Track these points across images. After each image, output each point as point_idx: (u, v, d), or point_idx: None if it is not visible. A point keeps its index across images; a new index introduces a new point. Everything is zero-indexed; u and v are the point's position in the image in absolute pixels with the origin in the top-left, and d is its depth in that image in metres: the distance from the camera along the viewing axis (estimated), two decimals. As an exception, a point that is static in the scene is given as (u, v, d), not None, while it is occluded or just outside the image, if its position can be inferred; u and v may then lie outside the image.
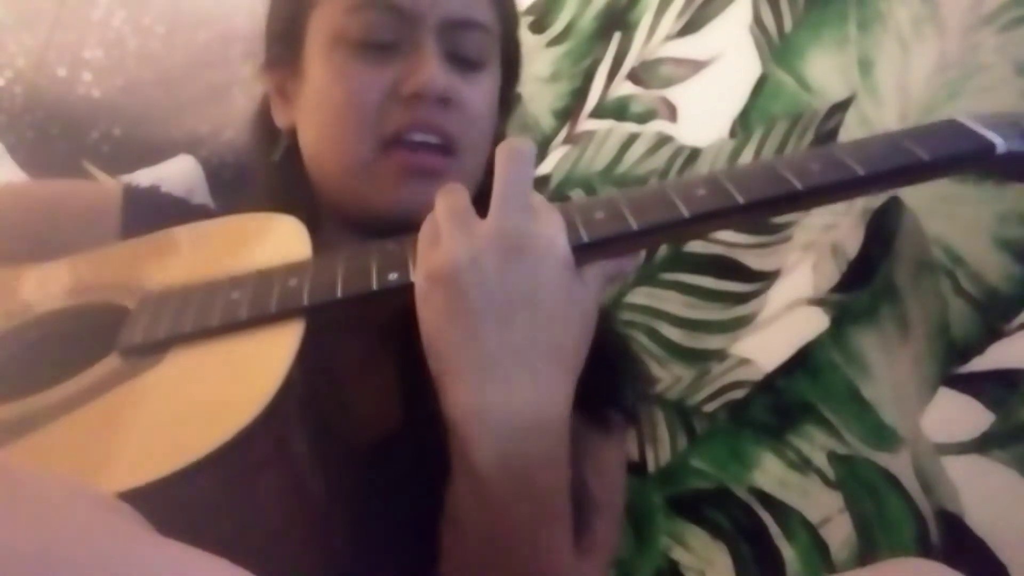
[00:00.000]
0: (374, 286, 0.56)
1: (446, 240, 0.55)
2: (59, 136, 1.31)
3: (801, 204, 0.59)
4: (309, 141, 0.74)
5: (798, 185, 0.55)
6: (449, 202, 0.57)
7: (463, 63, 0.72)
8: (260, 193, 0.79)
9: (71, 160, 1.29)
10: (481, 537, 0.56)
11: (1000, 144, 0.55)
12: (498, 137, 0.79)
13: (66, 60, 1.30)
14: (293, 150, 0.76)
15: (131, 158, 1.29)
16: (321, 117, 0.73)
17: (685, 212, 0.56)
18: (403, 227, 0.66)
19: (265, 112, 0.80)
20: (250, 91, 1.34)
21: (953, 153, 0.56)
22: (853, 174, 0.55)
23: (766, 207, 0.57)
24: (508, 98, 0.82)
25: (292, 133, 0.76)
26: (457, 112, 0.71)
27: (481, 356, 0.53)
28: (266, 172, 0.80)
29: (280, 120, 0.78)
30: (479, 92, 0.73)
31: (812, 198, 0.57)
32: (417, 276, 0.55)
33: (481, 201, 0.61)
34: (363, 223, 0.72)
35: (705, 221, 0.57)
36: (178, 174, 1.28)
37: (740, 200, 0.56)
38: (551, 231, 0.55)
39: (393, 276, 0.57)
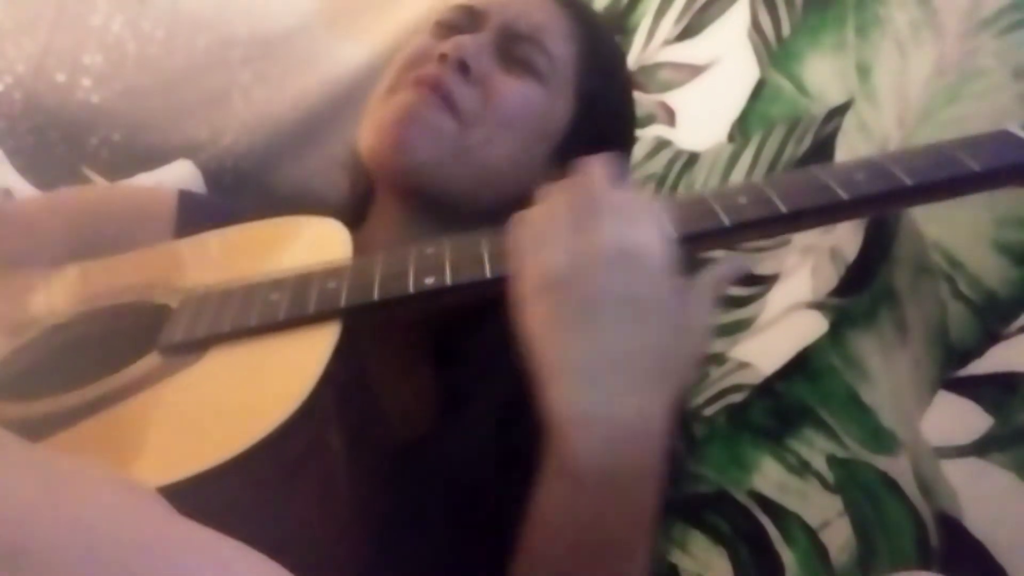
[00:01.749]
0: (411, 290, 0.57)
1: (553, 245, 0.54)
2: (58, 141, 1.30)
3: (844, 215, 0.58)
4: None
5: (843, 195, 0.54)
6: (547, 207, 0.57)
7: (515, 63, 0.76)
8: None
9: (70, 165, 1.29)
10: (569, 542, 0.55)
11: None
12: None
13: (65, 66, 1.30)
14: None
15: (130, 163, 1.29)
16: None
17: (783, 208, 0.55)
18: (400, 167, 0.72)
19: None
20: (249, 96, 1.34)
21: (1004, 163, 0.55)
22: (901, 184, 0.54)
23: (809, 217, 0.56)
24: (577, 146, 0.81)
25: None
26: (478, 90, 0.74)
27: (587, 362, 0.52)
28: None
29: None
30: (516, 89, 0.75)
31: (856, 209, 0.56)
32: (522, 281, 0.55)
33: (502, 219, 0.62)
34: (373, 167, 0.76)
35: (747, 229, 0.56)
36: (177, 179, 1.28)
37: (783, 209, 0.55)
38: (651, 237, 0.54)
39: (430, 280, 0.57)
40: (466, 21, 0.78)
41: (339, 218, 0.69)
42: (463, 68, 0.73)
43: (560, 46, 0.78)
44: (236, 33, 1.34)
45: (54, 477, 0.35)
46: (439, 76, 0.73)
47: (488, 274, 0.57)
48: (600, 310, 0.52)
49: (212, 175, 1.33)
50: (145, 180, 1.27)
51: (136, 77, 1.32)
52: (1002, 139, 0.57)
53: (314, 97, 1.29)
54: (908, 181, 0.54)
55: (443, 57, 0.74)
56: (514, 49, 0.76)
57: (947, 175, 0.55)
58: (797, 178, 0.58)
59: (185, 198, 0.84)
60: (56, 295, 0.68)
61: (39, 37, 1.30)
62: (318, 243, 0.66)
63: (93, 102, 1.31)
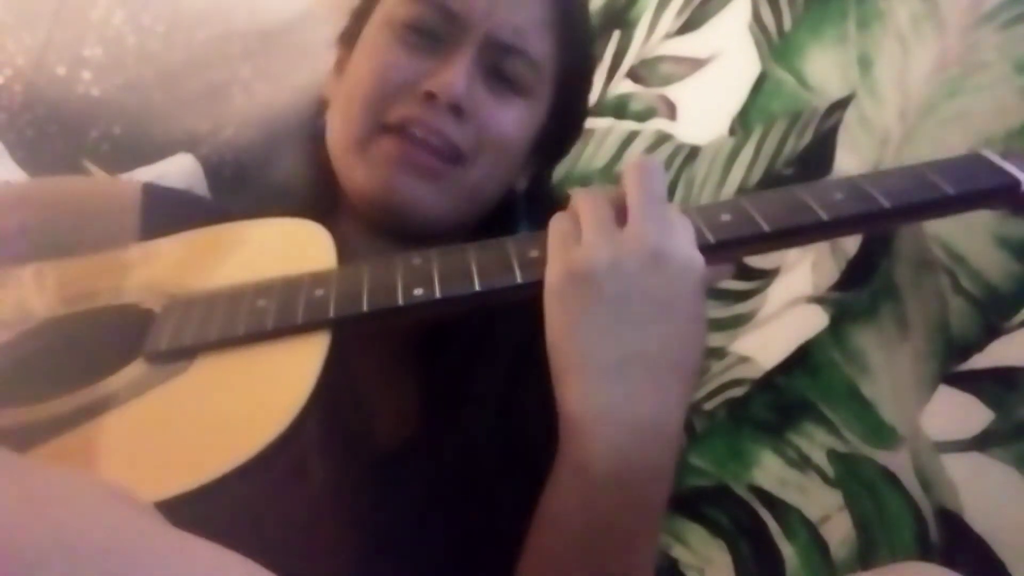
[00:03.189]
0: (400, 302, 0.56)
1: (589, 240, 0.55)
2: (58, 135, 1.30)
3: (823, 234, 0.59)
4: (330, 112, 0.77)
5: (823, 215, 0.56)
6: (590, 204, 0.57)
7: (502, 82, 0.72)
8: (291, 170, 0.81)
9: (71, 159, 1.29)
10: (576, 540, 0.55)
11: None
12: (538, 180, 0.80)
13: (65, 59, 1.30)
14: (324, 126, 0.78)
15: (131, 157, 1.29)
16: (344, 88, 0.74)
17: (711, 238, 0.57)
18: (397, 218, 0.69)
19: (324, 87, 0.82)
20: (250, 89, 1.34)
21: (978, 188, 0.56)
22: (879, 206, 0.55)
23: (790, 236, 0.57)
24: (554, 143, 0.81)
25: (326, 106, 0.79)
26: (472, 125, 0.70)
27: (613, 358, 0.53)
28: (305, 156, 0.82)
29: (325, 91, 0.80)
30: (508, 115, 0.72)
31: (835, 229, 0.57)
32: (551, 272, 0.55)
33: (486, 232, 0.62)
34: (361, 208, 0.72)
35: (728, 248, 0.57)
36: (178, 173, 1.28)
37: (766, 228, 0.56)
38: (688, 244, 0.55)
39: (419, 292, 0.57)
40: (442, 26, 0.71)
41: (308, 213, 0.68)
42: (457, 111, 0.69)
43: (542, 45, 0.73)
44: (236, 26, 1.34)
45: (35, 485, 0.35)
46: (434, 126, 0.69)
47: (477, 287, 0.57)
48: (630, 309, 0.53)
49: (213, 168, 1.33)
50: (146, 173, 1.27)
51: (137, 70, 1.32)
52: (976, 163, 0.58)
53: (315, 90, 1.29)
54: (885, 203, 0.56)
55: (430, 97, 0.69)
56: (499, 65, 0.71)
57: (923, 198, 0.56)
58: (778, 197, 0.59)
59: (150, 192, 0.81)
60: (30, 296, 0.66)
61: (39, 30, 1.30)
62: (301, 247, 0.65)
63: (94, 95, 1.31)
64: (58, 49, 1.30)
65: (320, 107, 0.81)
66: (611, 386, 0.53)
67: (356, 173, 0.72)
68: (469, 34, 0.70)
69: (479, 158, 0.71)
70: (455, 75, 0.69)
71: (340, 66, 0.79)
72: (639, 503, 0.55)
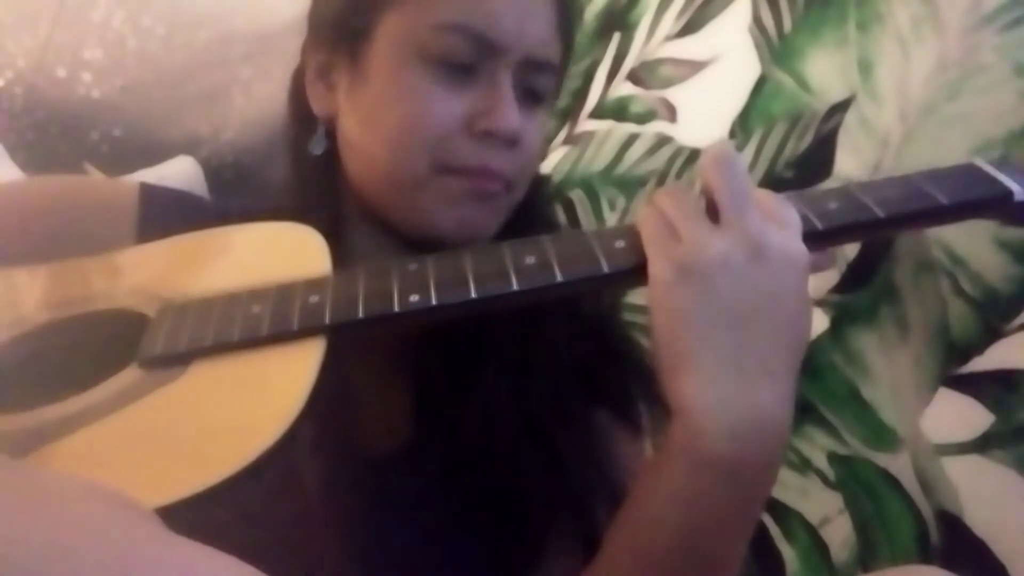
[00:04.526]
0: (396, 308, 0.56)
1: (692, 235, 0.54)
2: (59, 137, 1.31)
3: (816, 244, 0.58)
4: (357, 143, 0.72)
5: (818, 225, 0.56)
6: (680, 200, 0.57)
7: (530, 97, 0.72)
8: (286, 184, 0.78)
9: (71, 161, 1.29)
10: (679, 538, 0.55)
11: (1018, 192, 0.55)
12: None
13: (66, 61, 1.30)
14: (328, 142, 0.75)
15: (131, 159, 1.29)
16: (381, 125, 0.70)
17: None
18: (441, 244, 0.67)
19: (299, 93, 0.78)
20: (250, 91, 1.34)
21: (971, 198, 0.56)
22: (873, 216, 0.55)
23: None
24: None
25: (329, 123, 0.74)
26: (519, 150, 0.70)
27: (729, 350, 0.53)
28: (294, 162, 0.78)
29: (319, 107, 0.75)
30: (537, 127, 0.73)
31: (829, 238, 0.57)
32: (657, 268, 0.55)
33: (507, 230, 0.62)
34: (404, 234, 0.71)
35: None
36: (178, 175, 1.28)
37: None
38: (790, 233, 0.55)
39: (414, 298, 0.56)
40: (475, 55, 0.68)
41: (308, 219, 0.66)
42: (513, 144, 0.70)
43: (557, 50, 0.73)
44: (236, 29, 1.34)
45: (34, 489, 0.35)
46: (495, 164, 0.69)
47: (473, 294, 0.56)
48: (741, 302, 0.53)
49: (213, 170, 1.33)
50: (146, 176, 1.27)
51: (137, 72, 1.32)
52: (969, 172, 0.58)
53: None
54: (880, 213, 0.56)
55: (489, 135, 0.68)
56: (531, 83, 0.71)
57: (917, 208, 0.56)
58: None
59: (147, 192, 0.79)
60: (22, 300, 0.66)
61: (40, 32, 1.30)
62: (297, 253, 0.64)
63: (94, 97, 1.31)
64: (58, 51, 1.30)
65: (305, 120, 0.76)
66: (729, 377, 0.53)
67: (415, 209, 0.70)
68: (503, 59, 0.69)
69: (522, 177, 0.72)
70: (508, 109, 0.69)
71: (324, 77, 0.75)
72: (749, 496, 0.55)
